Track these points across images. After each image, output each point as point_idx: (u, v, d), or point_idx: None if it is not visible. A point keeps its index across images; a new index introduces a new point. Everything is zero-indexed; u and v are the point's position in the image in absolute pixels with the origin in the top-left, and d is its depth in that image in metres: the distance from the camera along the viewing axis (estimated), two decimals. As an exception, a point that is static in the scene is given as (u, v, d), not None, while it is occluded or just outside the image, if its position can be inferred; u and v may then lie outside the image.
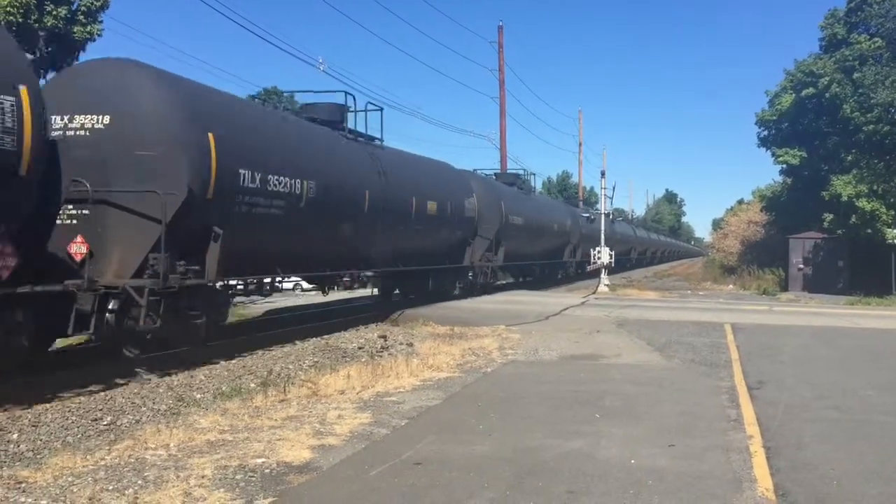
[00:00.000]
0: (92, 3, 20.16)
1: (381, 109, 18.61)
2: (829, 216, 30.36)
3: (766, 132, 36.78)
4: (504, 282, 31.63)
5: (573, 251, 37.80)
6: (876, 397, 9.45)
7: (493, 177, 29.44)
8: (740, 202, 77.59)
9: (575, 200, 49.79)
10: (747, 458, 6.52)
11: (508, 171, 31.69)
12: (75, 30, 19.60)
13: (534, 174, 35.36)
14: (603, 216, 33.79)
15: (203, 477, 5.79)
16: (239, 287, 13.30)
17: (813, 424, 7.92)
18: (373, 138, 18.28)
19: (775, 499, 5.54)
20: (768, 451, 6.78)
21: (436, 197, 19.80)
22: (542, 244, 31.63)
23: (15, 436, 7.48)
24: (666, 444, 6.96)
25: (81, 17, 20.01)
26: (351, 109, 17.39)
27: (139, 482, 5.66)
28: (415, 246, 19.16)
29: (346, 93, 17.52)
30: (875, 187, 28.35)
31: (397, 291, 21.78)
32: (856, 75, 30.31)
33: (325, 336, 14.54)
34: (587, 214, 40.77)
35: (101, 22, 20.59)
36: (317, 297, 23.25)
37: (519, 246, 27.58)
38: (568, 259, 37.28)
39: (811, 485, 5.89)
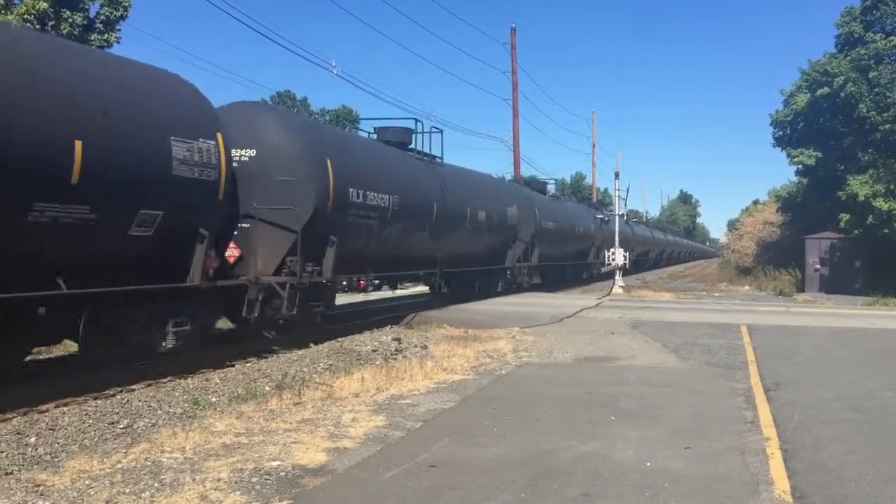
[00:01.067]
0: (111, 13, 20.34)
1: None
2: (845, 216, 30.13)
3: (781, 132, 36.52)
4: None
5: (526, 252, 27.10)
6: (893, 398, 9.37)
7: (374, 133, 19.41)
8: (756, 203, 77.21)
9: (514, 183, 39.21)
10: (764, 461, 6.48)
11: (397, 126, 19.83)
12: (92, 37, 19.77)
13: (441, 131, 21.65)
14: (617, 217, 33.69)
15: (219, 480, 5.82)
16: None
17: (830, 426, 7.86)
18: None
19: (793, 501, 5.51)
20: (785, 453, 6.73)
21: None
22: (476, 242, 21.60)
23: (33, 439, 7.54)
24: (682, 446, 6.93)
25: (100, 24, 20.20)
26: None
27: (155, 485, 5.69)
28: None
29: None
30: (892, 187, 28.11)
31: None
32: (871, 74, 30.08)
33: (340, 339, 14.56)
34: (601, 216, 40.40)
35: (119, 30, 20.79)
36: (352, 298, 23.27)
37: (387, 247, 16.99)
38: (513, 264, 26.07)
39: (829, 487, 5.85)
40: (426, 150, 20.35)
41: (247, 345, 13.15)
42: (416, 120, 20.94)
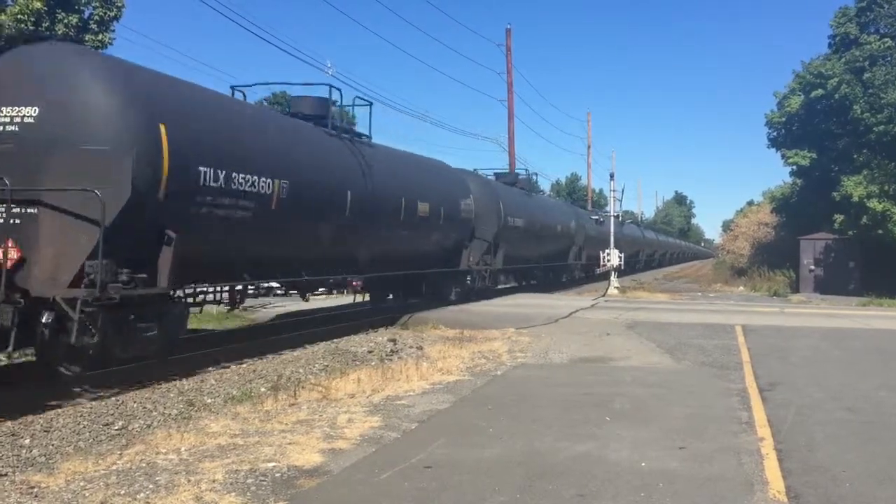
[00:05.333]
0: (105, 13, 20.32)
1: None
2: (839, 217, 30.23)
3: (775, 133, 36.65)
4: None
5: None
6: (888, 399, 9.40)
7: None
8: (750, 203, 77.42)
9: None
10: (759, 461, 6.50)
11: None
12: (87, 38, 19.74)
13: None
14: (612, 218, 33.71)
15: (214, 481, 5.81)
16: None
17: (825, 426, 7.88)
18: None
19: (787, 501, 5.52)
20: (780, 453, 6.75)
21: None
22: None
23: (27, 441, 7.52)
24: (676, 446, 6.94)
25: (93, 25, 20.18)
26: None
27: (150, 486, 5.68)
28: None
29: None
30: (886, 188, 28.24)
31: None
32: (866, 76, 30.20)
33: (335, 340, 14.55)
34: (597, 217, 40.28)
35: (113, 31, 20.78)
36: (327, 302, 22.98)
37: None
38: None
39: (823, 487, 5.87)
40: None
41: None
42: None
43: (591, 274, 39.74)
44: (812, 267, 32.51)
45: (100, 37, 20.18)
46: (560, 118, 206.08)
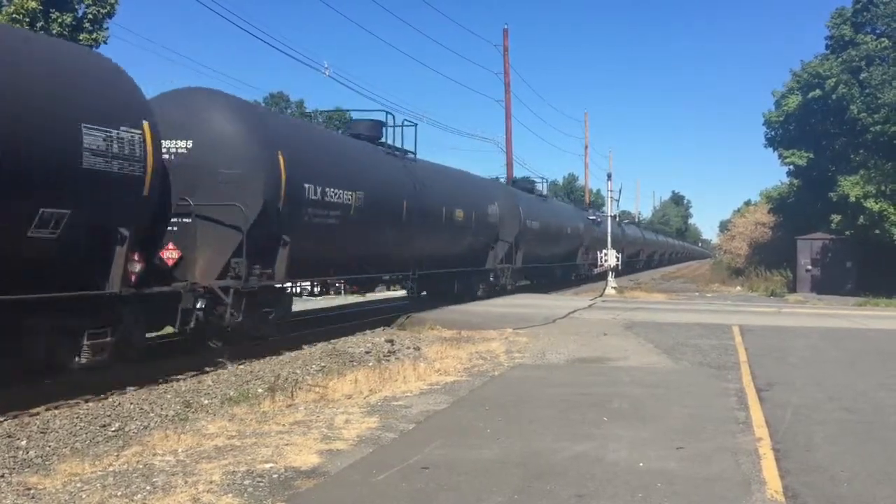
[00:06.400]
0: (98, 11, 20.30)
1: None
2: (836, 217, 30.26)
3: (772, 133, 36.67)
4: None
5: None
6: (886, 399, 9.41)
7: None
8: (747, 203, 77.39)
9: None
10: (756, 461, 6.50)
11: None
12: (81, 37, 19.72)
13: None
14: (609, 218, 33.76)
15: (211, 482, 5.80)
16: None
17: (822, 426, 7.89)
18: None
19: (785, 501, 5.52)
20: (777, 453, 6.75)
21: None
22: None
23: (24, 442, 7.50)
24: (674, 446, 6.94)
25: (87, 24, 20.17)
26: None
27: (147, 488, 5.67)
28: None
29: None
30: (883, 188, 28.24)
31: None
32: (863, 76, 30.24)
33: (333, 340, 14.54)
34: (594, 217, 40.24)
35: (106, 29, 20.77)
36: (323, 303, 23.14)
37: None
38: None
39: (821, 487, 5.87)
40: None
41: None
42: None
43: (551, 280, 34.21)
44: (809, 267, 32.54)
45: (94, 35, 20.17)
46: (558, 118, 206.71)
